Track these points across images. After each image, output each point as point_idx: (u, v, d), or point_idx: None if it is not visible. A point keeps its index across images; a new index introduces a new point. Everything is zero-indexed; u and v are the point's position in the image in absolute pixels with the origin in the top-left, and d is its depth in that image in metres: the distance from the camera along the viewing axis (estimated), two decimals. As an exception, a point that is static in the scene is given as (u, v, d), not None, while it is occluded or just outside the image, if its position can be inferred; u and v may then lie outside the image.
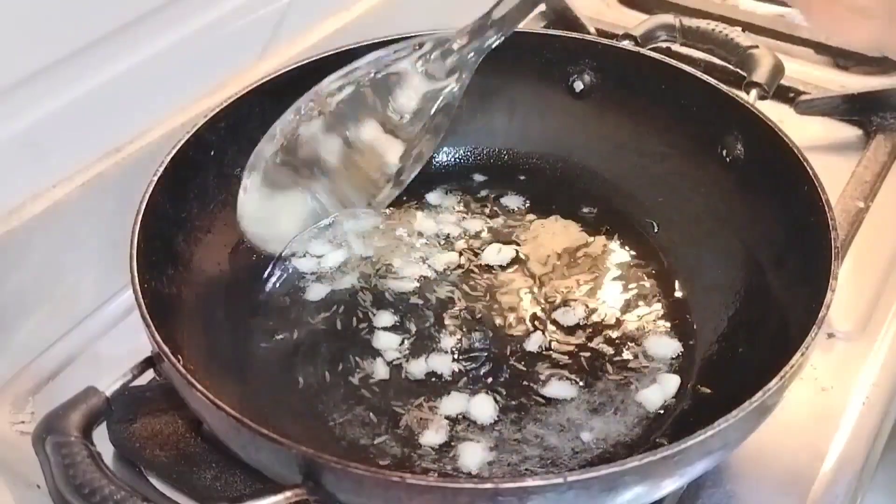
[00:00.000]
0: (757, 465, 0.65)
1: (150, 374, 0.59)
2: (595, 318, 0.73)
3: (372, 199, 0.78)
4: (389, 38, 0.81)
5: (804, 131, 0.90)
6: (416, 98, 0.72)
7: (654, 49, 0.87)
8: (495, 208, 0.83)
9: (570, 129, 0.84)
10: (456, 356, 0.70)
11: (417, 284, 0.76)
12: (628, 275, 0.77)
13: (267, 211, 0.74)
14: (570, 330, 0.72)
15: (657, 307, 0.74)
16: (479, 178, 0.86)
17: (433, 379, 0.69)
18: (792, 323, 0.62)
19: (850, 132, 0.95)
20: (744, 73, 0.84)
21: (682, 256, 0.77)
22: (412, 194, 0.83)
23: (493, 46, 0.72)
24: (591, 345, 0.71)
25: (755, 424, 0.56)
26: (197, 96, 0.83)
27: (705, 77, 0.76)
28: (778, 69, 0.84)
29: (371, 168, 0.76)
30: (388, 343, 0.71)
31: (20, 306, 0.74)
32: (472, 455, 0.64)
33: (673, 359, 0.70)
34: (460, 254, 0.79)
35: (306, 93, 0.72)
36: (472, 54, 0.72)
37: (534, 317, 0.73)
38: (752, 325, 0.68)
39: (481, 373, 0.69)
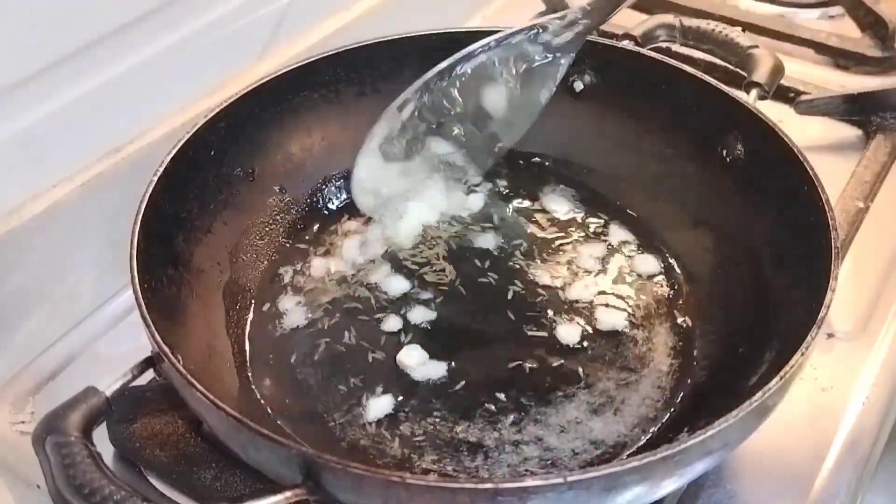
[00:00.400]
0: (757, 465, 0.65)
1: (150, 374, 0.59)
2: (595, 317, 0.73)
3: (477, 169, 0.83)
4: (389, 39, 0.81)
5: (804, 131, 0.90)
6: (523, 74, 0.76)
7: (654, 49, 0.87)
8: (493, 208, 0.83)
9: (570, 129, 0.84)
10: (454, 356, 0.71)
11: (419, 285, 0.76)
12: (628, 275, 0.77)
13: (381, 177, 0.77)
14: (570, 330, 0.72)
15: (657, 307, 0.74)
16: (479, 177, 0.86)
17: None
18: (792, 323, 0.62)
19: (850, 132, 0.95)
20: (744, 73, 0.84)
21: (681, 256, 0.77)
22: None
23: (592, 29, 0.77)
24: (591, 344, 0.71)
25: (755, 424, 0.56)
26: (197, 96, 0.83)
27: (705, 77, 0.76)
28: (778, 69, 0.84)
29: (480, 137, 0.79)
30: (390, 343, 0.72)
31: (20, 306, 0.74)
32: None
33: (673, 359, 0.70)
34: (461, 254, 0.79)
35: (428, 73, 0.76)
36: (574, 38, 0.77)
37: (533, 317, 0.73)
38: (753, 325, 0.68)
39: (480, 373, 0.69)
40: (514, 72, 0.76)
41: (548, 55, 0.77)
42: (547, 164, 0.86)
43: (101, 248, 0.77)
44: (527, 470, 0.63)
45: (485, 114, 0.78)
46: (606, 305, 0.74)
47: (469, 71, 0.76)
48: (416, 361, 0.70)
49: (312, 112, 0.81)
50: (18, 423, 0.71)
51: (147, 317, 0.57)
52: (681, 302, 0.75)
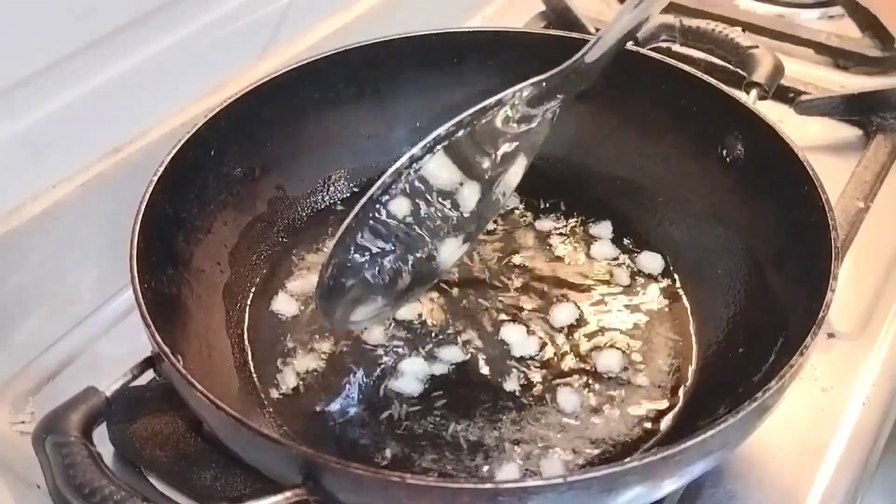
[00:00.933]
0: (757, 465, 0.65)
1: (150, 374, 0.59)
2: (595, 319, 0.73)
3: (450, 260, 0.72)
4: (389, 38, 0.81)
5: (804, 131, 0.90)
6: (494, 155, 0.70)
7: (654, 49, 0.87)
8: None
9: (570, 129, 0.84)
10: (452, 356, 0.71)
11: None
12: (628, 276, 0.77)
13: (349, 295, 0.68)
14: (571, 331, 0.72)
15: (657, 308, 0.74)
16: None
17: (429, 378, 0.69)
18: (792, 323, 0.62)
19: (850, 132, 0.95)
20: (744, 73, 0.84)
21: (681, 256, 0.77)
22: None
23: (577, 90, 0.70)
24: (591, 345, 0.71)
25: (755, 424, 0.56)
26: (197, 96, 0.83)
27: (705, 77, 0.76)
28: (778, 69, 0.84)
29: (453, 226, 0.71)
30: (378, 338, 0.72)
31: (20, 306, 0.74)
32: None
33: (673, 359, 0.70)
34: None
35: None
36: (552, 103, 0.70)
37: (534, 319, 0.73)
38: (752, 325, 0.68)
39: (482, 374, 0.69)
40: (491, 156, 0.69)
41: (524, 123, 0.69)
42: (546, 164, 0.86)
43: (101, 248, 0.77)
44: (527, 470, 0.63)
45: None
46: (608, 304, 0.75)
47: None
48: (416, 369, 0.70)
49: (312, 112, 0.81)
50: (18, 423, 0.71)
51: (147, 317, 0.57)
52: (681, 302, 0.75)
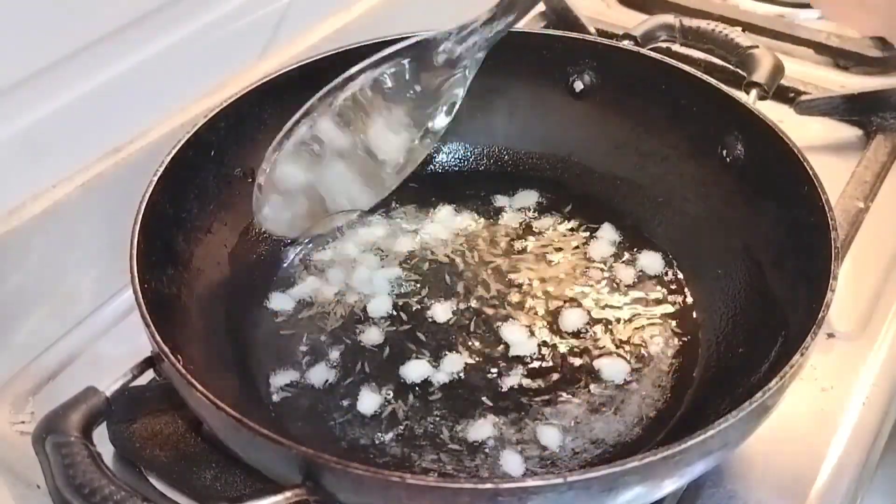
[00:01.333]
0: (757, 465, 0.65)
1: (150, 374, 0.59)
2: (595, 318, 0.73)
3: (373, 196, 0.80)
4: (389, 38, 0.81)
5: (804, 131, 0.90)
6: (422, 94, 0.72)
7: (654, 49, 0.87)
8: (494, 209, 0.83)
9: (570, 129, 0.84)
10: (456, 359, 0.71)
11: (418, 285, 0.76)
12: (628, 276, 0.77)
13: (282, 207, 0.75)
14: (571, 331, 0.72)
15: (657, 308, 0.74)
16: (478, 178, 0.86)
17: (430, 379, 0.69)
18: (792, 323, 0.62)
19: (850, 132, 0.95)
20: (744, 73, 0.84)
21: (681, 256, 0.77)
22: (411, 193, 0.83)
23: (500, 36, 0.73)
24: (592, 345, 0.71)
25: (755, 424, 0.56)
26: (197, 96, 0.83)
27: (705, 77, 0.76)
28: (778, 69, 0.84)
29: (375, 165, 0.76)
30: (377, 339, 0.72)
31: (20, 306, 0.74)
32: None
33: (673, 359, 0.70)
34: (462, 254, 0.79)
35: (316, 94, 0.73)
36: (479, 44, 0.72)
37: (534, 318, 0.73)
38: (752, 325, 0.68)
39: (482, 374, 0.69)
40: (410, 91, 0.75)
41: (449, 68, 0.75)
42: (546, 164, 0.86)
43: (101, 248, 0.77)
44: (527, 469, 0.63)
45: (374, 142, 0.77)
46: (607, 304, 0.75)
47: (356, 93, 0.74)
48: (417, 371, 0.70)
49: (312, 112, 0.81)
50: (18, 423, 0.71)
51: (147, 317, 0.57)
52: (681, 302, 0.75)
